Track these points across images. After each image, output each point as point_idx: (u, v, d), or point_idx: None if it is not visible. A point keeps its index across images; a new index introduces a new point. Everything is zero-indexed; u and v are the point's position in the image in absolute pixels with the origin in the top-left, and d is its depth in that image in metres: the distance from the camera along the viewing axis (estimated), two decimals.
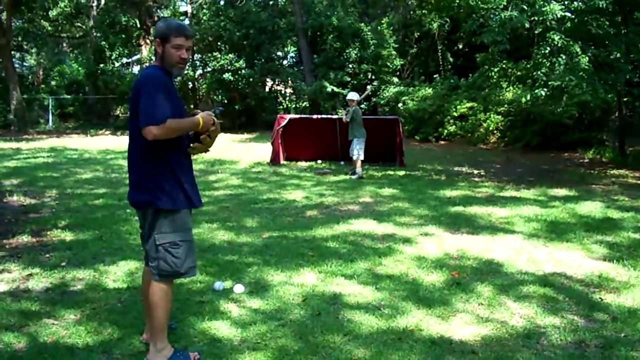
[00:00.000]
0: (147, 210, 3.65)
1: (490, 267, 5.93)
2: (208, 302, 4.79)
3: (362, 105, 13.58)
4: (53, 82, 33.75)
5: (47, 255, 6.14)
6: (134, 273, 5.48)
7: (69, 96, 30.96)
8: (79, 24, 34.86)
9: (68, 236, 6.95)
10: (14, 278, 5.38)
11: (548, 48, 12.50)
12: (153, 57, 26.87)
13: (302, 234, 7.21)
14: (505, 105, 20.36)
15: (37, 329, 4.21)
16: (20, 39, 32.07)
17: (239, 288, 5.07)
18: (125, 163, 13.63)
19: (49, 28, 33.89)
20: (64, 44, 38.41)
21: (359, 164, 12.46)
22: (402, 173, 13.27)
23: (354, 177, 12.30)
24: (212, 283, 5.21)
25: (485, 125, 20.66)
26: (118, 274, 5.52)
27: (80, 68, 33.16)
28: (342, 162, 14.63)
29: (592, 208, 9.07)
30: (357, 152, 12.48)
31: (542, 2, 12.11)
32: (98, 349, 3.94)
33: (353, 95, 13.06)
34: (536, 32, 14.88)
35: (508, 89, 20.98)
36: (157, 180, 3.59)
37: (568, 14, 12.53)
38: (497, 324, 4.46)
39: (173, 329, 4.16)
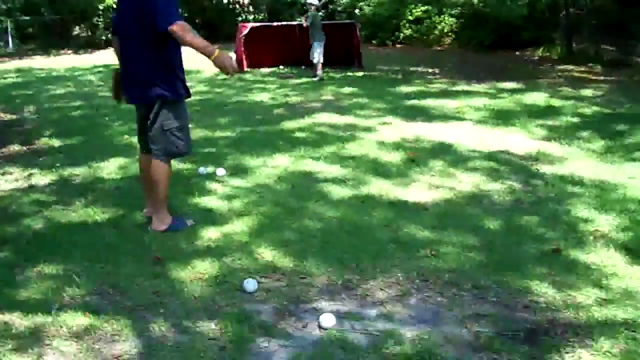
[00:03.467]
0: (154, 103, 4.14)
1: (442, 147, 6.67)
2: (195, 184, 5.40)
3: (320, 13, 13.88)
4: (9, 4, 32.66)
5: (41, 159, 6.52)
6: (124, 167, 5.98)
7: (27, 17, 30.13)
8: None
9: (56, 142, 7.28)
10: (16, 178, 5.79)
11: None
12: None
13: (271, 128, 7.82)
14: (458, 8, 20.75)
15: (50, 214, 4.72)
16: None
17: (220, 171, 5.70)
18: (94, 78, 13.97)
19: None
20: None
21: (319, 66, 12.92)
22: (360, 74, 13.81)
23: (315, 79, 12.78)
24: (196, 169, 5.81)
25: (440, 27, 21.12)
26: (110, 168, 6.00)
27: None
28: (303, 67, 15.01)
29: (536, 98, 9.84)
30: (317, 55, 12.92)
31: None
32: (108, 224, 4.50)
33: (312, 0, 13.39)
34: None
35: None
36: (165, 77, 4.11)
37: None
38: (447, 189, 5.21)
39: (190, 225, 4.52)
